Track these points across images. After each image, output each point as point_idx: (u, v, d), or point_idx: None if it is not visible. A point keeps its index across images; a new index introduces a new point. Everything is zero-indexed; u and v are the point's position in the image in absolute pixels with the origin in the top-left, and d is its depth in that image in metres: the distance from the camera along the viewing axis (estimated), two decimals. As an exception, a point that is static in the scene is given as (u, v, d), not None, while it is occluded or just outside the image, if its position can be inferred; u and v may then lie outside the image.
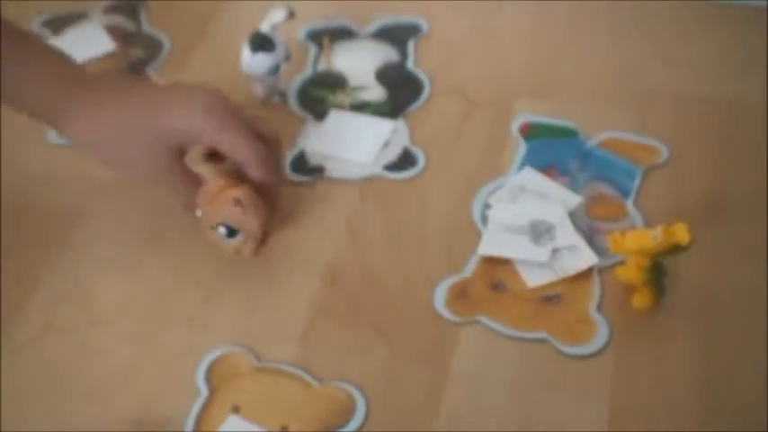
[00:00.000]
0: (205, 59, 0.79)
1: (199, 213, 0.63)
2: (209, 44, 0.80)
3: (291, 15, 0.70)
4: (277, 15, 0.70)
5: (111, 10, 0.85)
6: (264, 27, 0.71)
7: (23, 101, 0.63)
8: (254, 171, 0.62)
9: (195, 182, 0.63)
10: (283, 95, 0.74)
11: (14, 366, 0.59)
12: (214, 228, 0.62)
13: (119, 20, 0.84)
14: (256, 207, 0.62)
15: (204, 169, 0.63)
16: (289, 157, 0.70)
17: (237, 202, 0.61)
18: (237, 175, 0.63)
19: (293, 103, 0.74)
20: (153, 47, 0.81)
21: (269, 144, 0.63)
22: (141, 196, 0.68)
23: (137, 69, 0.78)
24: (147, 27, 0.83)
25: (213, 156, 0.63)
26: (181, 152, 0.63)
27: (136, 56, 0.80)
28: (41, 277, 0.63)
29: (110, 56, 0.80)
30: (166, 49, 0.80)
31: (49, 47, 0.66)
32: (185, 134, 0.62)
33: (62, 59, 0.64)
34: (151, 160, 0.62)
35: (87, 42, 0.81)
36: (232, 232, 0.62)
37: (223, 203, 0.62)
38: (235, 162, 0.62)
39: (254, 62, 0.71)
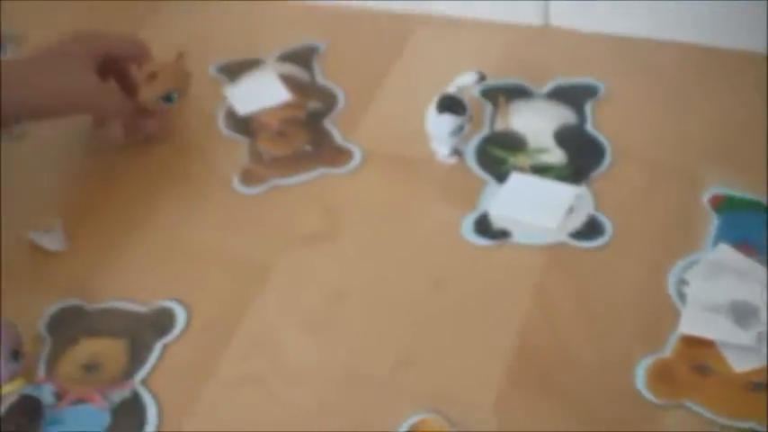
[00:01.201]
0: (380, 114, 0.80)
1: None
2: (383, 99, 0.81)
3: (482, 79, 0.71)
4: (467, 78, 0.71)
5: (285, 59, 0.87)
6: (451, 88, 0.72)
7: None
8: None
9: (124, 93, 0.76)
10: (461, 154, 0.75)
11: (209, 419, 0.60)
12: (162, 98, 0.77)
13: (293, 69, 0.86)
14: None
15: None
16: (471, 218, 0.70)
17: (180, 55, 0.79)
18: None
19: (472, 162, 0.74)
20: (328, 99, 0.82)
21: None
22: (327, 252, 0.70)
23: (315, 121, 0.80)
24: (320, 78, 0.85)
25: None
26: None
27: (313, 107, 0.81)
28: (232, 331, 0.64)
29: (287, 106, 0.81)
30: (341, 102, 0.82)
31: None
32: (92, 49, 0.74)
33: None
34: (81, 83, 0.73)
35: (264, 91, 0.83)
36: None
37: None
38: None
39: (439, 122, 0.72)
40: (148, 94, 0.76)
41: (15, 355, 0.61)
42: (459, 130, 0.72)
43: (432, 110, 0.72)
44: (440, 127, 0.72)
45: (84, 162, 0.79)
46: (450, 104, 0.70)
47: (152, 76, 0.76)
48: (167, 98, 0.76)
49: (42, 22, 0.95)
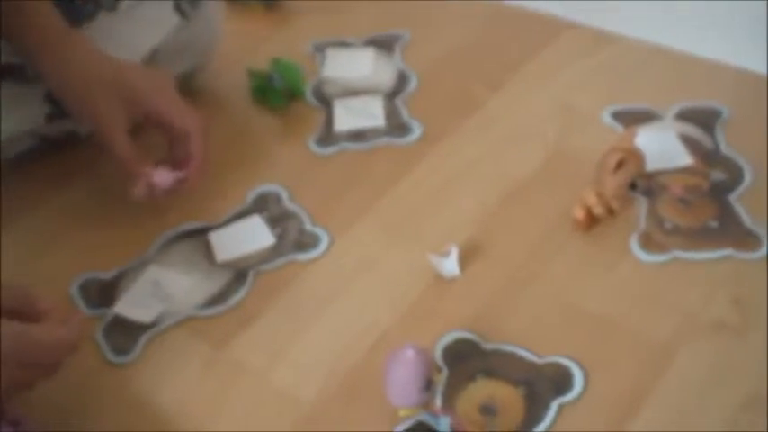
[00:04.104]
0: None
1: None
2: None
3: None
4: None
5: (684, 118, 0.83)
6: None
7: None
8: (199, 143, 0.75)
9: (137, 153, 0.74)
10: None
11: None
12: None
13: (694, 131, 0.82)
14: None
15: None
16: None
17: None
18: None
19: None
20: (733, 172, 0.78)
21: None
22: (736, 348, 0.65)
23: (719, 194, 0.76)
24: (724, 147, 0.80)
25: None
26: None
27: (716, 178, 0.77)
28: (635, 410, 0.62)
29: (688, 171, 0.78)
30: (747, 178, 0.77)
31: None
32: (153, 114, 0.75)
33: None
34: (115, 120, 0.73)
35: (666, 150, 0.79)
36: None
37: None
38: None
39: None
40: (617, 182, 0.74)
41: (428, 384, 0.62)
42: None
43: None
44: None
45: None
46: None
47: (620, 164, 0.74)
48: (631, 185, 0.75)
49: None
